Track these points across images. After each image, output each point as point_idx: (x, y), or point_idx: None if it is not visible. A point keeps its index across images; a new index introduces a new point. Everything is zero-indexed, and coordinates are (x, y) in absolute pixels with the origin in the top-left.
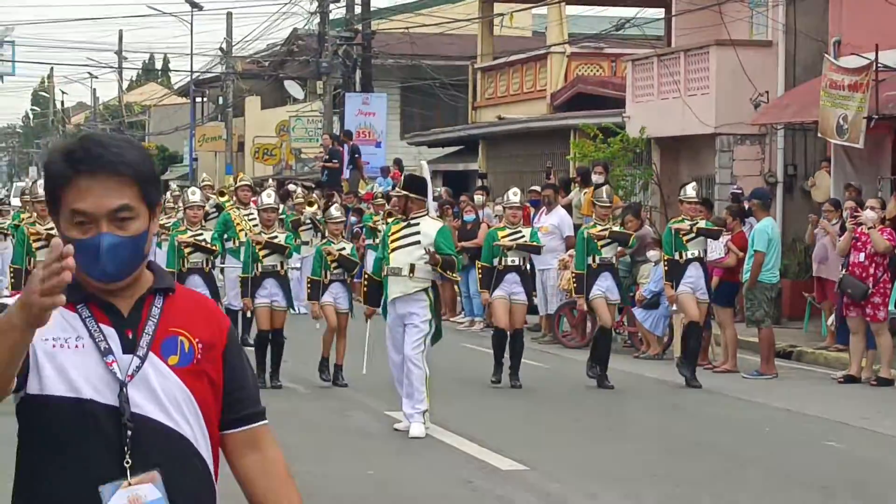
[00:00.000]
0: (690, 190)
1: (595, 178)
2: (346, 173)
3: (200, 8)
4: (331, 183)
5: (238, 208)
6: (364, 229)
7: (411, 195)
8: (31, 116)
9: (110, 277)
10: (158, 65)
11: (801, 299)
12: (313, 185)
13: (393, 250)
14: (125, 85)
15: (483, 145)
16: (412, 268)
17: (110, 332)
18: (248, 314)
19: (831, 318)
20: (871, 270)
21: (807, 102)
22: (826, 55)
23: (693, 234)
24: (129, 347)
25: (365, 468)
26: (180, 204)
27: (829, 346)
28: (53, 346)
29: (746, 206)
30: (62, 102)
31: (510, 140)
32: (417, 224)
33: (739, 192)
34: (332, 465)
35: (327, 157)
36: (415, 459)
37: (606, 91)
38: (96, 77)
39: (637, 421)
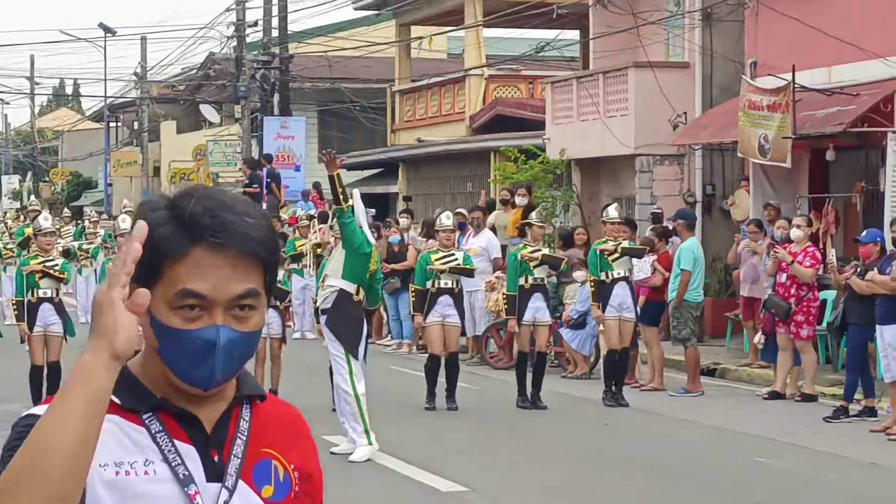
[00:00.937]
0: (612, 211)
1: (518, 199)
2: (264, 199)
3: (114, 33)
4: None
5: None
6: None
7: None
8: None
9: (214, 384)
10: (70, 90)
11: (721, 317)
12: None
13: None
14: (37, 110)
15: (403, 168)
16: (324, 277)
17: (190, 453)
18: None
19: (758, 336)
20: (793, 290)
21: (724, 123)
22: (743, 76)
23: (618, 255)
24: (216, 474)
25: None
26: (100, 230)
27: (753, 363)
28: (116, 473)
29: (671, 225)
30: None
31: (430, 162)
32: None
33: (659, 211)
34: None
35: (247, 181)
36: (355, 483)
37: (525, 113)
38: (7, 103)
39: (571, 440)
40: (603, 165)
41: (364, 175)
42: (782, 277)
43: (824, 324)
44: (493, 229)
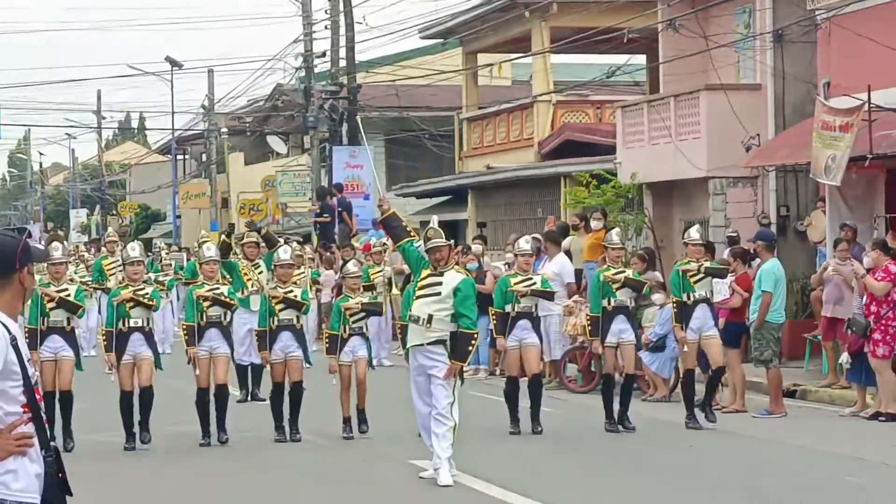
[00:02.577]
0: (694, 232)
1: (594, 223)
2: (336, 228)
3: (180, 66)
4: (323, 237)
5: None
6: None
7: (451, 246)
8: (8, 179)
9: None
10: (135, 123)
11: (799, 339)
12: (300, 240)
13: (417, 298)
14: (104, 144)
15: (472, 195)
16: (430, 318)
17: None
18: (268, 367)
19: (844, 356)
20: (873, 308)
21: (798, 144)
22: (817, 96)
23: (700, 275)
24: None
25: None
26: (171, 262)
27: (834, 384)
28: None
29: (750, 247)
30: (40, 164)
31: (500, 189)
32: (442, 275)
33: (735, 234)
34: None
35: (319, 211)
36: None
37: (593, 137)
38: (74, 137)
39: (656, 461)
40: (675, 189)
41: (433, 202)
42: (865, 298)
43: None
44: (568, 253)
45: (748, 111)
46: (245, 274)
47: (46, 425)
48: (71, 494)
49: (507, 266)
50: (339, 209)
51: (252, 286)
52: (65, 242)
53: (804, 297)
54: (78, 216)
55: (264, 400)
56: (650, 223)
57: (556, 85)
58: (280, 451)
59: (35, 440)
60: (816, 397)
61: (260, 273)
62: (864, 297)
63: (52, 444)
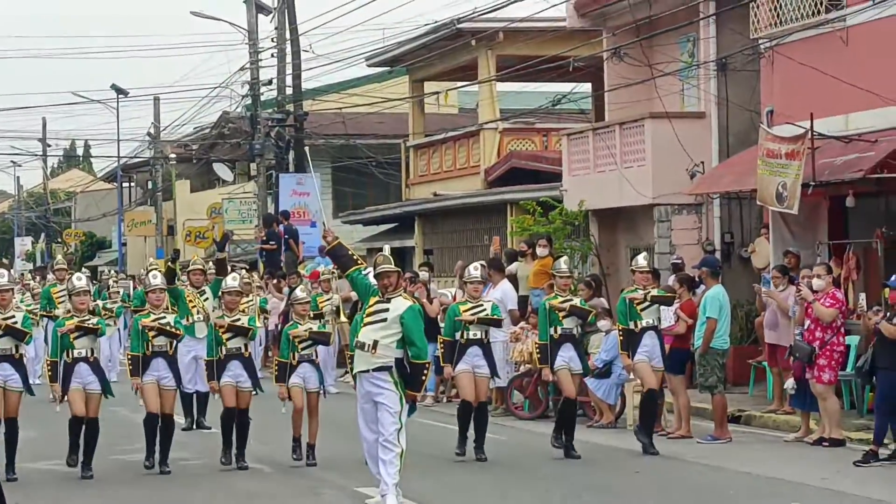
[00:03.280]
0: (642, 260)
1: (540, 250)
2: (282, 256)
3: (126, 94)
4: (269, 264)
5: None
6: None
7: (400, 272)
8: None
9: None
10: (81, 151)
11: (744, 364)
12: (247, 267)
13: (364, 325)
14: (49, 172)
15: (419, 222)
16: (375, 344)
17: None
18: (216, 396)
19: (789, 382)
20: (818, 334)
21: (742, 171)
22: (760, 124)
23: (647, 303)
24: None
25: None
26: (119, 289)
27: (778, 410)
28: None
29: (695, 274)
30: None
31: (447, 216)
32: (389, 301)
33: (680, 261)
34: None
35: (265, 238)
36: None
37: (539, 165)
38: (19, 165)
39: (603, 488)
40: (621, 216)
41: (380, 229)
42: (807, 323)
43: (849, 369)
44: (515, 279)
45: (692, 139)
46: (191, 301)
47: None
48: None
49: (455, 294)
50: (286, 236)
51: (197, 313)
52: (10, 270)
53: (749, 323)
54: (23, 244)
55: (209, 428)
56: (596, 250)
57: (502, 113)
58: (225, 478)
59: None
60: (761, 423)
61: (206, 300)
62: (808, 323)
63: None
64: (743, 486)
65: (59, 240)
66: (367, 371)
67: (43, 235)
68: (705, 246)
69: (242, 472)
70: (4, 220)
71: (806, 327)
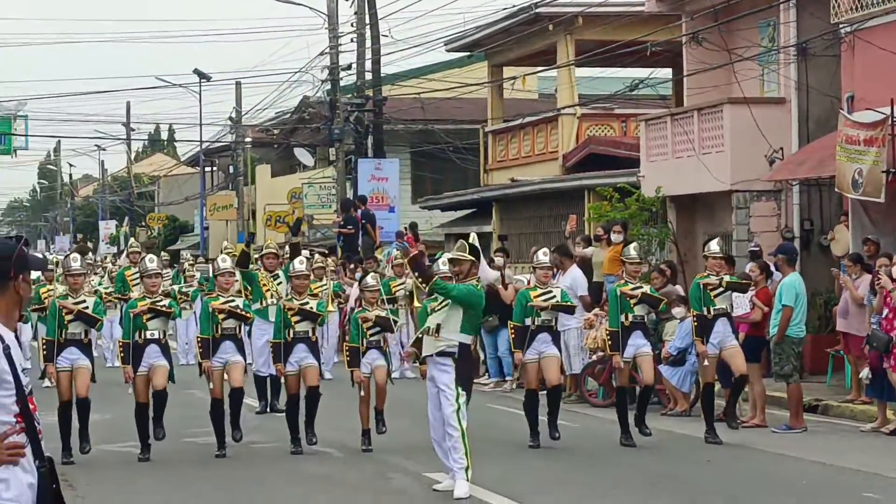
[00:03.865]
0: (714, 245)
1: (614, 237)
2: (359, 240)
3: (209, 78)
4: (347, 249)
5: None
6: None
7: (475, 261)
8: (39, 190)
9: None
10: (165, 135)
11: (821, 353)
12: (327, 252)
13: (432, 311)
14: (133, 156)
15: (497, 207)
16: (437, 328)
17: None
18: (282, 380)
19: (865, 371)
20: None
21: (822, 158)
22: (840, 110)
23: (721, 289)
24: None
25: None
26: (196, 273)
27: (856, 399)
28: None
29: (772, 261)
30: (70, 175)
31: (524, 201)
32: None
33: (757, 248)
34: None
35: (342, 223)
36: None
37: (618, 151)
38: (104, 149)
39: (673, 477)
40: (698, 202)
41: (457, 215)
42: (885, 311)
43: None
44: (589, 264)
45: (772, 124)
46: (264, 284)
47: (40, 436)
48: None
49: (529, 279)
50: (364, 221)
51: (271, 297)
52: (94, 253)
53: (827, 311)
54: (107, 227)
55: (283, 411)
56: (673, 237)
57: (580, 98)
58: (295, 462)
59: (28, 450)
60: (837, 412)
61: (279, 284)
62: (886, 311)
63: (46, 454)
64: (815, 476)
65: (143, 223)
66: (431, 356)
67: (127, 219)
68: (784, 233)
69: (312, 455)
70: (89, 204)
71: (883, 316)
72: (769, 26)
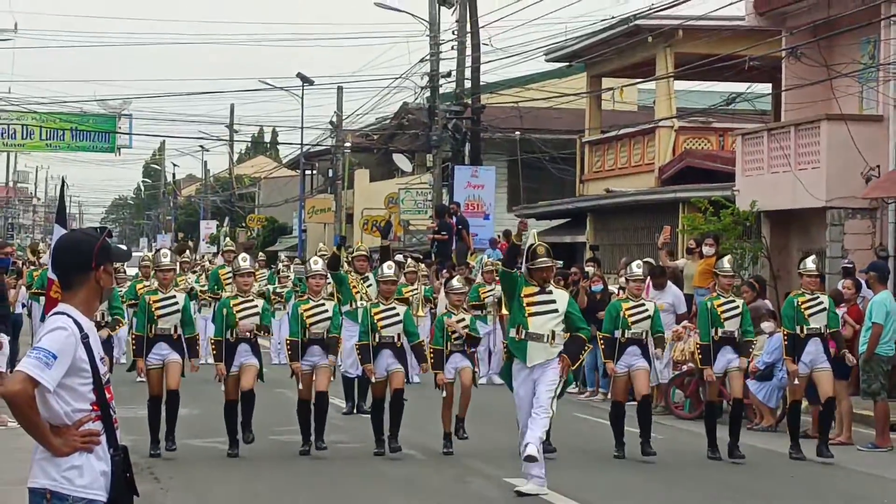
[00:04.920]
0: (810, 263)
1: (706, 249)
2: (454, 245)
3: (311, 82)
4: (440, 254)
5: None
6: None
7: (555, 265)
8: (143, 189)
9: None
10: (267, 138)
11: None
12: (421, 256)
13: (531, 315)
14: (235, 157)
15: (591, 217)
16: (553, 335)
17: None
18: (373, 378)
19: None
20: None
21: None
22: None
23: (816, 308)
24: None
25: None
26: (291, 274)
27: None
28: None
29: (864, 279)
30: (173, 175)
31: (618, 212)
32: (552, 292)
33: (851, 266)
34: None
35: (437, 229)
36: None
37: (714, 164)
38: (207, 150)
39: (755, 492)
40: (793, 218)
41: (552, 224)
42: None
43: None
44: (680, 276)
45: (869, 142)
46: (354, 287)
47: (116, 425)
48: (137, 495)
49: (618, 290)
50: (459, 227)
51: (360, 299)
52: (191, 252)
53: None
54: (207, 227)
55: (369, 413)
56: (767, 251)
57: (678, 111)
58: (377, 463)
59: (103, 438)
60: None
61: (369, 286)
62: None
63: (120, 443)
64: (866, 487)
65: (243, 224)
66: (546, 362)
67: (227, 219)
68: (878, 251)
69: (394, 456)
70: (191, 203)
71: None
72: (869, 43)
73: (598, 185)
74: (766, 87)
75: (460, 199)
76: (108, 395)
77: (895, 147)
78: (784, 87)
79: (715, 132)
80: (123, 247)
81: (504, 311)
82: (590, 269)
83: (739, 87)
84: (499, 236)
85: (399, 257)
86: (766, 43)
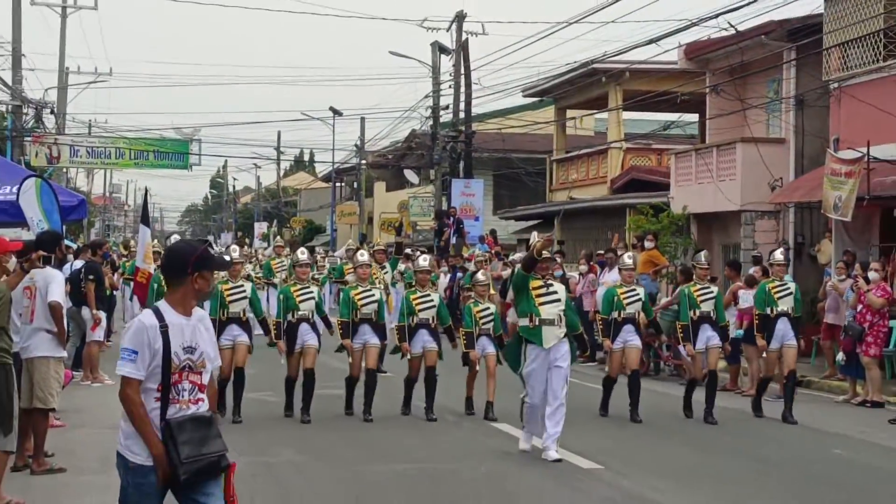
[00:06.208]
0: (779, 255)
1: (647, 244)
2: (453, 240)
3: (340, 114)
4: (439, 248)
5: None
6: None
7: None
8: (210, 197)
9: None
10: (306, 157)
11: (808, 340)
12: (425, 250)
13: (541, 304)
14: (281, 173)
15: (558, 219)
16: (560, 318)
17: None
18: (407, 356)
19: (840, 354)
20: (868, 317)
21: (812, 186)
22: (828, 149)
23: (784, 292)
24: None
25: (477, 465)
26: (327, 263)
27: (832, 377)
28: None
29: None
30: (233, 187)
31: (579, 215)
32: (552, 285)
33: (759, 255)
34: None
35: (436, 228)
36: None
37: (654, 177)
38: (259, 167)
39: (727, 447)
40: (715, 219)
41: (527, 224)
42: (859, 308)
43: (891, 346)
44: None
45: (774, 159)
46: (374, 274)
47: (179, 405)
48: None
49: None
50: (458, 225)
51: (379, 284)
52: (248, 247)
53: (813, 307)
54: (260, 227)
55: (385, 372)
56: (695, 245)
57: (625, 135)
58: (405, 422)
59: (155, 413)
60: (818, 387)
61: (385, 273)
62: (860, 307)
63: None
64: (795, 436)
65: (287, 225)
66: (558, 342)
67: (275, 221)
68: (781, 245)
69: (418, 417)
70: (247, 209)
71: (858, 311)
72: (774, 81)
73: (564, 194)
74: (694, 117)
75: (456, 204)
76: (173, 379)
77: (794, 163)
78: (708, 116)
79: (654, 152)
80: (227, 257)
81: (493, 291)
82: (558, 258)
83: (673, 116)
84: (486, 234)
85: (408, 251)
86: (694, 81)
